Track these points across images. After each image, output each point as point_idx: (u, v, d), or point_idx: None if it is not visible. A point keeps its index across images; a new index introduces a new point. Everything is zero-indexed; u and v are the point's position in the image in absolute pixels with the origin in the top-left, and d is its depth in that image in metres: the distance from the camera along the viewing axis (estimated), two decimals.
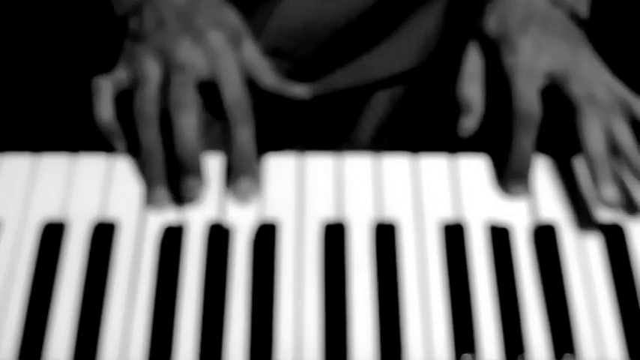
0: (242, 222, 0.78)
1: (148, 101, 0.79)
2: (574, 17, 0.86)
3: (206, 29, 0.81)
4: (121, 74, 0.81)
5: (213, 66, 0.81)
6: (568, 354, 0.72)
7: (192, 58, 0.80)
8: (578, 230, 0.78)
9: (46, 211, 0.78)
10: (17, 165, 0.80)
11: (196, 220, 0.78)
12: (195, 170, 0.77)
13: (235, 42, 0.83)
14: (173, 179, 0.78)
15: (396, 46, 0.97)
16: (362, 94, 0.99)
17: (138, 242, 0.76)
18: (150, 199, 0.78)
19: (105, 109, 0.80)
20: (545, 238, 0.77)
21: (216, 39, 0.81)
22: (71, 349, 0.71)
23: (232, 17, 0.84)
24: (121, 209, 0.78)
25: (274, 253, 0.76)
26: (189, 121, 0.78)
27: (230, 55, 0.81)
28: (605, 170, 0.76)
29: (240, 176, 0.78)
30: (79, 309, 0.73)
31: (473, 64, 0.85)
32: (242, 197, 0.78)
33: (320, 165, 0.81)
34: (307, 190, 0.80)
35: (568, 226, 0.78)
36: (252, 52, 0.84)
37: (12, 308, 0.73)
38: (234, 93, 0.80)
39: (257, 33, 0.91)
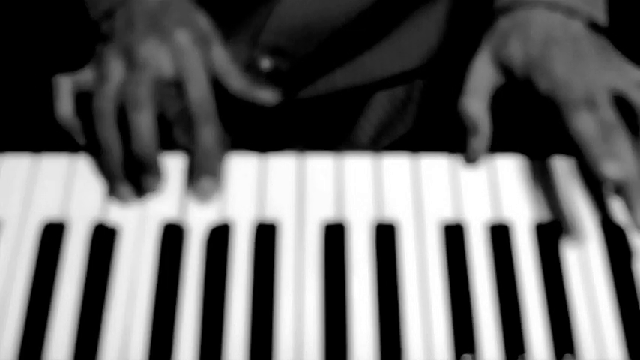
0: (242, 221, 0.78)
1: (106, 98, 0.79)
2: (592, 26, 0.85)
3: (172, 29, 0.82)
4: (85, 74, 0.82)
5: (177, 64, 0.81)
6: (568, 354, 0.72)
7: (154, 56, 0.80)
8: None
9: (46, 211, 0.78)
10: (17, 165, 0.80)
11: (197, 220, 0.78)
12: (151, 167, 0.78)
13: (203, 43, 0.83)
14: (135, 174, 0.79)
15: (396, 46, 0.97)
16: (362, 94, 0.99)
17: (138, 242, 0.76)
18: (113, 194, 0.79)
19: (64, 106, 0.81)
20: (545, 238, 0.78)
21: (182, 38, 0.81)
22: (71, 350, 0.71)
23: (201, 20, 0.84)
24: (121, 209, 0.78)
25: (274, 253, 0.76)
26: (143, 119, 0.78)
27: (195, 54, 0.81)
28: (601, 149, 0.75)
29: (202, 175, 0.78)
30: (79, 309, 0.73)
31: (481, 77, 0.83)
32: (202, 196, 0.79)
33: (320, 165, 0.81)
34: (307, 190, 0.80)
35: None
36: (221, 56, 0.84)
37: (12, 308, 0.73)
38: (198, 91, 0.80)
39: (257, 33, 0.91)
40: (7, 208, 0.78)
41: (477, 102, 0.82)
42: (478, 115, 0.81)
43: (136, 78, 0.79)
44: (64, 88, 0.81)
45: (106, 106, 0.79)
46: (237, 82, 0.84)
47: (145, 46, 0.81)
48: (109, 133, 0.79)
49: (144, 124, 0.78)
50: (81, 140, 0.81)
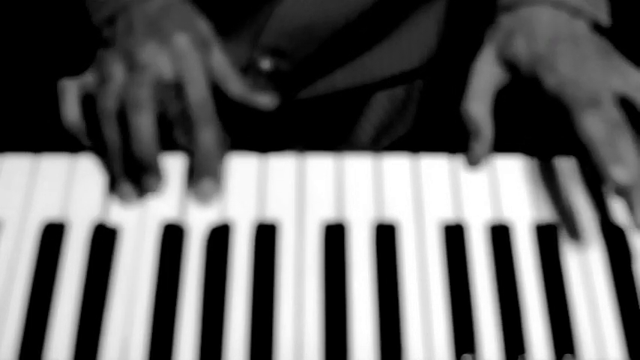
0: (242, 222, 0.78)
1: (109, 98, 0.80)
2: (596, 26, 0.84)
3: (172, 33, 0.82)
4: (87, 77, 0.82)
5: (177, 67, 0.81)
6: (568, 354, 0.72)
7: (154, 59, 0.81)
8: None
9: (46, 211, 0.78)
10: (17, 165, 0.81)
11: (197, 220, 0.78)
12: (151, 168, 0.78)
13: (202, 47, 0.83)
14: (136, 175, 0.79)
15: (396, 46, 0.97)
16: (362, 94, 0.99)
17: (138, 242, 0.76)
18: (117, 193, 0.79)
19: (70, 109, 0.81)
20: (546, 238, 0.78)
21: (181, 41, 0.82)
22: (71, 350, 0.71)
23: (202, 24, 0.85)
24: (121, 209, 0.78)
25: (274, 253, 0.76)
26: (143, 120, 0.78)
27: (195, 57, 0.82)
28: (609, 152, 0.75)
29: (203, 177, 0.78)
30: (79, 309, 0.73)
31: (484, 78, 0.83)
32: (203, 198, 0.79)
33: (320, 165, 0.81)
34: (307, 190, 0.80)
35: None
36: (220, 61, 0.85)
37: (12, 308, 0.73)
38: (198, 93, 0.80)
39: (257, 34, 0.91)
40: (7, 208, 0.78)
41: (479, 105, 0.82)
42: (480, 118, 0.81)
43: (137, 80, 0.80)
44: (70, 92, 0.82)
45: (109, 106, 0.80)
46: (236, 86, 0.85)
47: (145, 50, 0.81)
48: (112, 133, 0.79)
49: (144, 125, 0.78)
50: (86, 142, 0.82)
